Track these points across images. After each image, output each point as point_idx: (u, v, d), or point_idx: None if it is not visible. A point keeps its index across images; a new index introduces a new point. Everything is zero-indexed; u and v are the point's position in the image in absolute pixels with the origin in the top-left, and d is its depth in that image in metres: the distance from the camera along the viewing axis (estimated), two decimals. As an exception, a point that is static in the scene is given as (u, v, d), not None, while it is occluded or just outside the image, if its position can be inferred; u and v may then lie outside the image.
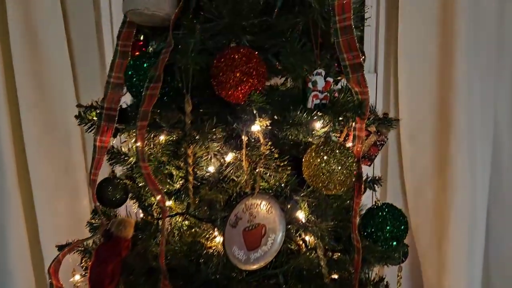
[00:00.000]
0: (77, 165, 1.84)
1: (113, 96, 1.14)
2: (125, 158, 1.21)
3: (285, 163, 1.04)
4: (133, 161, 1.21)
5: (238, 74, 0.96)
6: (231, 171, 1.03)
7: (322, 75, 1.09)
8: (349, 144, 1.18)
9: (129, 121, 1.14)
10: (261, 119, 0.98)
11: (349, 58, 1.04)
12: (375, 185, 1.23)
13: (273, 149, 1.04)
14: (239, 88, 0.97)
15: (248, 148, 1.01)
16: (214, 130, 1.00)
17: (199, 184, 1.09)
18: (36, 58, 1.72)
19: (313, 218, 1.04)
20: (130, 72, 1.03)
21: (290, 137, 1.06)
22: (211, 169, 1.06)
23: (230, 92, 0.98)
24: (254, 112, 0.99)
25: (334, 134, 1.22)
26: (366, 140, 1.22)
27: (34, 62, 1.72)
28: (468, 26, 1.73)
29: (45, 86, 1.75)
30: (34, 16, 1.68)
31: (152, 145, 1.16)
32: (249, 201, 1.03)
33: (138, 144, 0.99)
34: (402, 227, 1.18)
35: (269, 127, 1.00)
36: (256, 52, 1.00)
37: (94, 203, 1.16)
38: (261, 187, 1.06)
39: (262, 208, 1.05)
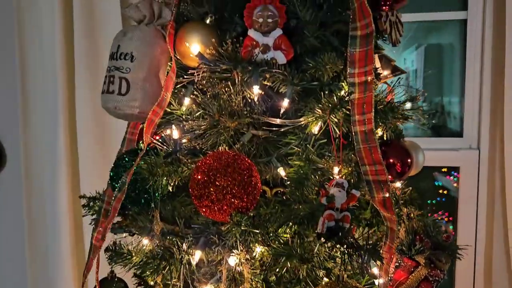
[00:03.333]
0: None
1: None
2: (128, 257, 1.08)
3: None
4: (139, 261, 1.08)
5: (212, 190, 0.76)
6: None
7: (344, 187, 0.82)
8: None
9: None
10: (241, 250, 0.76)
11: (372, 173, 0.76)
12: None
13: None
14: (216, 208, 0.77)
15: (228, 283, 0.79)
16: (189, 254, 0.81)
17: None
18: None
19: None
20: (112, 173, 0.91)
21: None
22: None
23: (205, 210, 0.78)
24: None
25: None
26: (414, 273, 0.89)
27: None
28: None
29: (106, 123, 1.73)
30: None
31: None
32: None
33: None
34: None
35: (251, 260, 0.77)
36: (247, 160, 0.79)
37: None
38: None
39: None
